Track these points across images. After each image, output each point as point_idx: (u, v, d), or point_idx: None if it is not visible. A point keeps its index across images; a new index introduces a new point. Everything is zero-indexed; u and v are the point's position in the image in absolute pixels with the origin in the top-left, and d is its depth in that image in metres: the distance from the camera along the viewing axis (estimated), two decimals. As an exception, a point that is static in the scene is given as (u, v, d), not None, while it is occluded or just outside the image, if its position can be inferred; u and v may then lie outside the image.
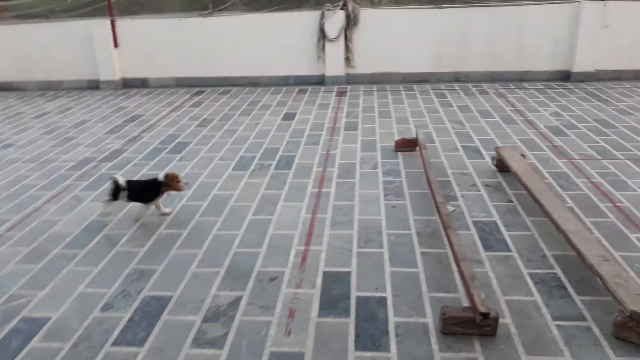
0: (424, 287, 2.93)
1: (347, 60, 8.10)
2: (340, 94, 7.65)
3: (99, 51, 8.37)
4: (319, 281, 3.02)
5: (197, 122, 6.41)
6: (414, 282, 2.98)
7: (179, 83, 8.53)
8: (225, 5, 8.26)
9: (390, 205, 3.97)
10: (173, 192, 3.98)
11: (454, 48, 7.96)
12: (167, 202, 4.03)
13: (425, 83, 8.08)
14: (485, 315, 2.45)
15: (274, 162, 4.92)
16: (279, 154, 5.16)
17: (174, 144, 5.62)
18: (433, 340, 2.53)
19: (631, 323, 2.39)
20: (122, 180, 3.75)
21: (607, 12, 7.50)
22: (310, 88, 8.06)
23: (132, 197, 3.84)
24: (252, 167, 4.81)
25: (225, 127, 6.15)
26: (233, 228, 3.69)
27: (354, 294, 2.90)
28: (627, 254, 3.20)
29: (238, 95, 7.78)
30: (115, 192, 3.75)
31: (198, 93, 8.04)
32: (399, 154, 5.05)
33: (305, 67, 8.24)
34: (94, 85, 8.67)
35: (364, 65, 8.16)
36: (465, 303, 2.75)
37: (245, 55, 8.23)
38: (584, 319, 2.62)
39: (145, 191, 3.86)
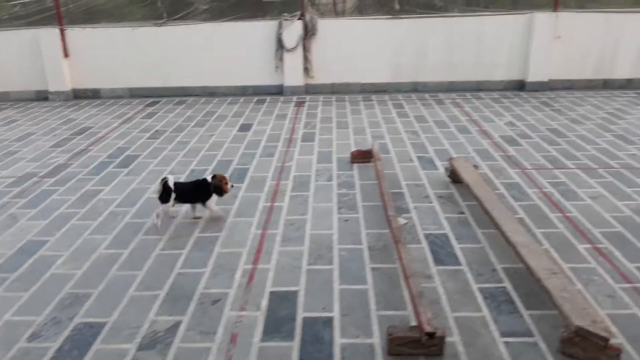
0: (373, 306, 2.85)
1: (306, 70, 8.03)
2: (299, 104, 7.57)
3: (48, 61, 8.04)
4: (264, 302, 2.89)
5: (148, 134, 6.20)
6: (363, 300, 2.89)
7: (133, 94, 8.28)
8: (181, 15, 8.09)
9: (343, 218, 3.88)
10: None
11: (412, 58, 8.00)
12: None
13: (384, 93, 8.08)
14: (431, 335, 2.38)
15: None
16: (232, 166, 5.02)
17: (122, 157, 5.40)
18: (378, 362, 2.44)
19: (577, 339, 2.36)
20: (170, 182, 3.69)
21: (559, 23, 7.68)
22: (268, 98, 7.94)
23: (180, 199, 3.80)
24: (202, 181, 4.65)
25: (178, 139, 5.96)
26: (178, 247, 3.52)
27: (301, 315, 2.78)
28: (575, 265, 3.20)
29: (194, 106, 7.60)
30: (165, 194, 3.68)
31: (152, 104, 7.82)
32: (355, 165, 4.98)
33: (263, 77, 8.13)
34: (42, 97, 8.32)
35: (323, 75, 8.11)
36: (414, 321, 2.68)
37: (202, 65, 8.07)
38: (531, 334, 2.59)
39: (194, 193, 3.82)
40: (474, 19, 7.85)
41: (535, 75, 7.96)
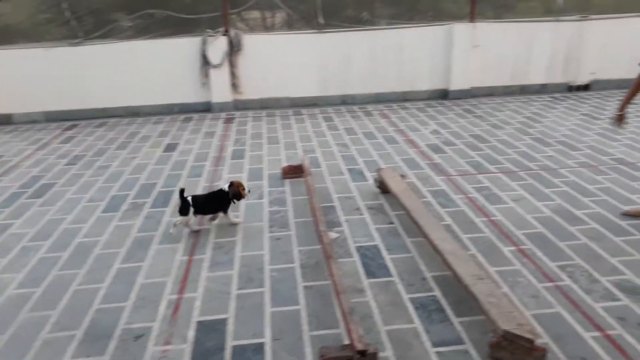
0: (305, 326, 2.77)
1: (234, 86, 7.91)
2: (228, 120, 7.43)
3: (-49, 86, 7.42)
4: (191, 334, 2.74)
5: (65, 160, 5.83)
6: (295, 322, 2.81)
7: (49, 117, 7.80)
8: (100, 33, 7.73)
9: (274, 237, 3.79)
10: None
11: (339, 72, 8.09)
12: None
13: (314, 107, 8.10)
14: (363, 353, 2.33)
15: (150, 200, 4.56)
16: (156, 189, 4.81)
17: (36, 186, 5.03)
18: (313, 386, 2.36)
19: (504, 343, 2.39)
20: (188, 195, 3.80)
21: (476, 33, 8.04)
22: (196, 116, 7.74)
23: (198, 211, 3.83)
24: (124, 208, 4.41)
25: (98, 164, 5.65)
26: (96, 281, 3.29)
27: (230, 343, 2.66)
28: (501, 268, 3.28)
29: (116, 127, 7.26)
30: (184, 207, 3.74)
31: (70, 127, 7.39)
32: (286, 181, 4.92)
33: (190, 95, 7.92)
34: (-54, 124, 7.67)
35: (252, 90, 8.01)
36: (347, 339, 2.62)
37: (123, 85, 7.74)
38: (462, 342, 2.60)
39: (213, 203, 3.90)
40: (396, 32, 8.06)
41: (457, 83, 8.27)
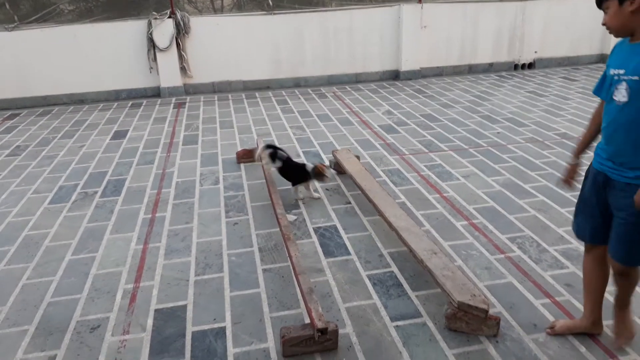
0: (266, 308, 2.77)
1: (183, 70, 7.71)
2: (179, 105, 7.24)
3: None
4: (149, 322, 2.69)
5: (7, 151, 5.54)
6: (255, 305, 2.81)
7: (-14, 107, 7.37)
8: (38, 16, 7.32)
9: (232, 222, 3.76)
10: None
11: (291, 54, 8.02)
12: None
13: (267, 90, 8.02)
14: (324, 331, 2.36)
15: (100, 189, 4.41)
16: (107, 178, 4.65)
17: (-25, 180, 4.77)
18: (275, 366, 2.37)
19: (460, 314, 2.48)
20: (280, 155, 4.08)
21: (424, 14, 8.15)
22: (145, 101, 7.51)
23: (282, 173, 4.11)
24: (73, 198, 4.25)
25: (43, 154, 5.40)
26: (47, 274, 3.17)
27: (190, 329, 2.63)
28: (455, 242, 3.38)
29: (60, 116, 6.94)
30: (273, 155, 4.08)
31: (11, 117, 7.01)
32: (242, 165, 4.86)
33: (137, 80, 7.66)
34: None
35: (202, 74, 7.84)
36: (307, 319, 2.65)
37: (66, 71, 7.39)
38: (419, 315, 2.68)
39: (292, 173, 4.06)
40: (346, 13, 8.05)
41: (407, 64, 8.38)
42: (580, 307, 2.67)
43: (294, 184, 4.05)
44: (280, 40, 7.91)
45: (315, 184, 4.14)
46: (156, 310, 2.79)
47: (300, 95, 7.60)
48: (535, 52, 8.92)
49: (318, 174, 3.89)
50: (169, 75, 7.62)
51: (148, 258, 3.32)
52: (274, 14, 7.79)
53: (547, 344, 2.43)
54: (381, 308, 2.74)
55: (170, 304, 2.84)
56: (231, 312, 2.75)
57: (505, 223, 3.62)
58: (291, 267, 3.09)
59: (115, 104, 7.46)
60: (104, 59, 7.43)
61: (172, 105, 7.28)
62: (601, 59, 9.18)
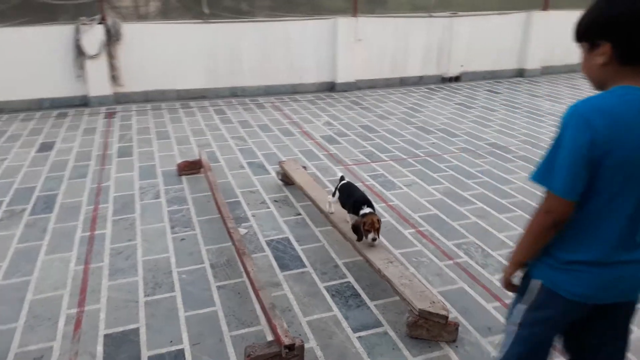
0: (224, 327, 2.69)
1: (114, 78, 7.35)
2: (110, 115, 6.89)
3: None
4: (99, 349, 2.52)
5: None
6: (213, 324, 2.71)
7: None
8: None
9: (178, 238, 3.62)
10: None
11: (227, 63, 7.90)
12: None
13: (203, 99, 7.84)
14: (291, 347, 2.32)
15: (29, 206, 4.08)
16: (35, 194, 4.32)
17: None
18: (240, 387, 2.30)
19: (421, 321, 2.54)
20: (342, 183, 3.56)
21: (358, 27, 8.34)
22: (71, 111, 7.07)
23: (341, 202, 3.51)
24: (-2, 217, 3.91)
25: (-42, 169, 4.92)
26: (-25, 302, 2.88)
27: (145, 354, 2.49)
28: (405, 250, 3.47)
29: (-25, 127, 6.38)
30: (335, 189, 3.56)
31: None
32: (183, 177, 4.70)
33: (63, 88, 7.21)
34: None
35: (134, 83, 7.52)
36: (269, 336, 2.60)
37: (-21, 78, 6.80)
38: (380, 324, 2.71)
39: (349, 204, 3.37)
40: (281, 24, 8.07)
41: (343, 76, 8.53)
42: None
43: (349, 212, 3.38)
44: (216, 49, 7.77)
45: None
46: (106, 336, 2.61)
47: (238, 105, 7.50)
48: (462, 65, 9.40)
49: (357, 226, 3.13)
50: (98, 83, 7.24)
51: (91, 279, 3.11)
52: (210, 22, 7.64)
53: (503, 346, 2.54)
54: (342, 319, 2.75)
55: (121, 328, 2.67)
56: (188, 333, 2.64)
57: (450, 230, 3.77)
58: (248, 283, 3.03)
59: (39, 113, 6.96)
60: (26, 66, 6.92)
61: (102, 115, 6.91)
62: (520, 73, 9.84)
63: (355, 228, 3.13)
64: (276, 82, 8.26)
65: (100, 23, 7.01)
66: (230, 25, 7.78)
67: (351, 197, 3.36)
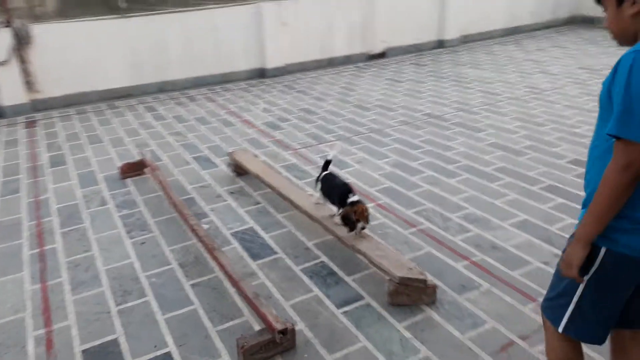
0: (208, 324, 2.64)
1: (29, 84, 6.82)
2: (30, 125, 6.41)
3: None
4: (80, 365, 2.40)
5: None
6: (195, 322, 2.66)
7: None
8: None
9: (138, 242, 3.48)
10: None
11: (152, 58, 7.57)
12: None
13: (129, 98, 7.47)
14: (285, 332, 2.33)
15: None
16: (-33, 216, 3.97)
17: None
18: (238, 379, 2.29)
19: (401, 288, 2.63)
20: (324, 174, 3.33)
21: (282, 10, 8.27)
22: (-15, 125, 6.50)
23: (324, 193, 3.29)
24: None
25: None
26: None
27: (131, 363, 2.40)
28: (370, 224, 3.53)
29: None
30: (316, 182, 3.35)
31: None
32: (128, 180, 4.50)
33: (-29, 100, 6.60)
34: None
35: (52, 87, 7.01)
36: (256, 325, 2.59)
37: None
38: (361, 297, 2.78)
39: (334, 194, 3.17)
40: (206, 13, 7.83)
41: (272, 61, 8.45)
42: (493, 262, 3.01)
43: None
44: (139, 44, 7.42)
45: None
46: (84, 352, 2.49)
47: (169, 100, 7.23)
48: (385, 42, 9.60)
49: (347, 215, 2.97)
50: (11, 92, 6.68)
51: (52, 297, 2.93)
52: (128, 16, 7.27)
53: (479, 300, 2.70)
54: (324, 298, 2.79)
55: (98, 341, 2.55)
56: (171, 335, 2.57)
57: (407, 200, 3.90)
58: (222, 277, 2.99)
59: (-53, 130, 6.34)
60: None
61: (21, 125, 6.41)
62: (440, 44, 10.22)
63: (346, 218, 2.96)
64: (205, 73, 8.04)
65: (6, 26, 6.45)
66: (150, 18, 7.44)
67: (335, 187, 3.18)
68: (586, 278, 1.55)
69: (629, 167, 1.38)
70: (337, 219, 3.09)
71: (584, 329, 1.63)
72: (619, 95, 1.37)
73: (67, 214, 3.93)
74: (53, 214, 3.95)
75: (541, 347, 2.34)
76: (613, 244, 1.49)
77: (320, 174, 3.38)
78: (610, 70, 1.45)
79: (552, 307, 1.70)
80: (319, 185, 3.33)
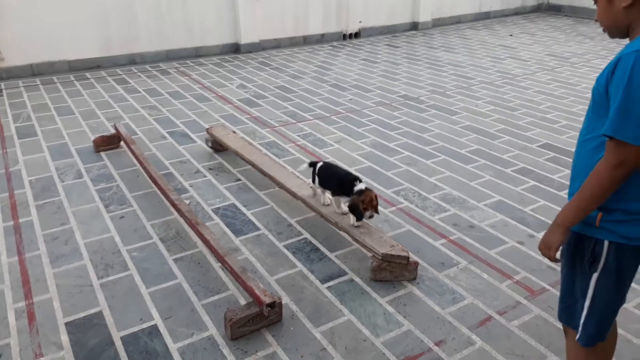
0: (193, 297, 2.66)
1: (-9, 51, 6.52)
2: (-6, 94, 6.15)
3: None
4: (64, 338, 2.38)
5: None
6: (181, 296, 2.67)
7: None
8: None
9: (117, 216, 3.43)
10: None
11: (122, 28, 7.33)
12: None
13: (99, 69, 7.24)
14: (272, 305, 2.38)
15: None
16: None
17: None
18: (226, 351, 2.32)
19: (384, 264, 2.71)
20: (320, 165, 3.21)
21: (257, -14, 8.13)
22: (-56, 92, 6.20)
23: (322, 184, 3.18)
24: None
25: None
26: None
27: (117, 335, 2.40)
28: (350, 202, 3.61)
29: None
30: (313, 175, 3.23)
31: None
32: (102, 154, 4.41)
33: None
34: None
35: (16, 55, 6.71)
36: (241, 299, 2.63)
37: None
38: (345, 273, 2.85)
39: (333, 183, 3.10)
40: (179, -16, 7.62)
41: (247, 37, 8.33)
42: (471, 241, 3.13)
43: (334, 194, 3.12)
44: (109, 14, 7.16)
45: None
46: (67, 324, 2.47)
47: (140, 74, 7.05)
48: (360, 22, 9.59)
49: (355, 204, 2.87)
50: (-28, 58, 6.38)
51: (30, 269, 2.88)
52: (98, -16, 7.00)
53: (458, 277, 2.81)
54: (308, 273, 2.84)
55: (82, 314, 2.54)
56: (156, 308, 2.58)
57: (386, 179, 3.98)
58: (205, 252, 3.00)
59: None
60: None
61: (-17, 93, 6.14)
62: (413, 26, 10.28)
63: (354, 207, 2.85)
64: (177, 46, 7.85)
65: (-33, -13, 6.12)
66: (121, -14, 7.18)
67: (335, 176, 3.10)
68: (595, 275, 1.59)
69: (620, 166, 1.41)
70: (344, 208, 3.00)
71: (600, 326, 1.67)
72: (617, 95, 1.37)
73: (41, 187, 3.84)
74: (26, 186, 3.84)
75: (517, 322, 2.48)
76: (613, 235, 1.53)
77: (315, 169, 3.21)
78: (605, 66, 1.47)
79: (568, 312, 1.72)
80: (317, 178, 3.20)
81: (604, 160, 1.45)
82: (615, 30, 1.53)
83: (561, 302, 1.76)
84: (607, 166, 1.43)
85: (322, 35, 9.29)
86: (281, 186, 3.50)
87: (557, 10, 11.98)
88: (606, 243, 1.55)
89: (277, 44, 8.80)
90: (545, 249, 1.62)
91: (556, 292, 2.68)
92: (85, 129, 4.99)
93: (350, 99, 5.97)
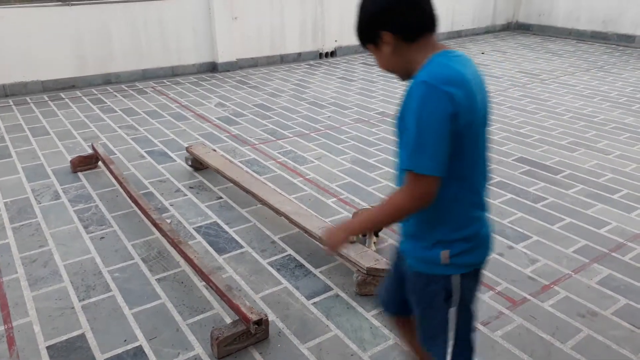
0: (178, 317, 2.63)
1: (-39, 72, 6.39)
2: (-36, 115, 6.02)
3: None
4: (46, 362, 2.33)
5: None
6: (165, 316, 2.64)
7: None
8: None
9: (97, 237, 3.38)
10: None
11: (97, 48, 7.29)
12: None
13: (74, 89, 7.17)
14: (259, 322, 2.37)
15: None
16: None
17: None
18: (213, 370, 2.30)
19: (369, 278, 2.74)
20: None
21: (234, 5, 8.21)
22: None
23: None
24: None
25: None
26: None
27: (101, 357, 2.36)
28: (332, 218, 3.63)
29: None
30: None
31: None
32: (80, 174, 4.35)
33: None
34: None
35: (-14, 76, 6.62)
36: (227, 317, 2.61)
37: None
38: (330, 288, 2.86)
39: None
40: (153, 4, 7.60)
41: (224, 56, 8.37)
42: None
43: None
44: (83, 34, 7.12)
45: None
46: (49, 347, 2.41)
47: (115, 93, 7.00)
48: (336, 41, 9.75)
49: None
50: (-58, 78, 6.24)
51: (9, 293, 2.81)
52: (72, 4, 6.96)
53: (441, 289, 2.85)
54: (293, 290, 2.84)
55: (64, 337, 2.48)
56: (141, 329, 2.54)
57: (367, 194, 4.03)
58: (189, 271, 2.98)
59: None
60: None
61: (-46, 114, 6.01)
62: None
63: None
64: (153, 65, 7.84)
65: (-62, 7, 6.01)
66: (96, 7, 7.15)
67: None
68: (453, 309, 1.55)
69: (420, 199, 1.39)
70: (374, 247, 3.10)
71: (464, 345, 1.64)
72: (410, 128, 1.36)
73: (17, 209, 3.76)
74: (1, 208, 3.76)
75: (500, 332, 2.52)
76: (462, 268, 1.52)
77: None
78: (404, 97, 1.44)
79: (436, 344, 1.64)
80: None
81: (404, 191, 1.41)
82: (400, 73, 1.54)
83: (424, 336, 1.69)
84: (405, 197, 1.41)
85: (299, 54, 9.39)
86: (264, 203, 3.51)
87: (525, 28, 12.38)
88: (457, 277, 1.52)
89: (254, 63, 8.86)
90: (328, 245, 1.61)
91: (537, 302, 2.75)
92: (62, 150, 4.92)
93: (329, 117, 6.04)
